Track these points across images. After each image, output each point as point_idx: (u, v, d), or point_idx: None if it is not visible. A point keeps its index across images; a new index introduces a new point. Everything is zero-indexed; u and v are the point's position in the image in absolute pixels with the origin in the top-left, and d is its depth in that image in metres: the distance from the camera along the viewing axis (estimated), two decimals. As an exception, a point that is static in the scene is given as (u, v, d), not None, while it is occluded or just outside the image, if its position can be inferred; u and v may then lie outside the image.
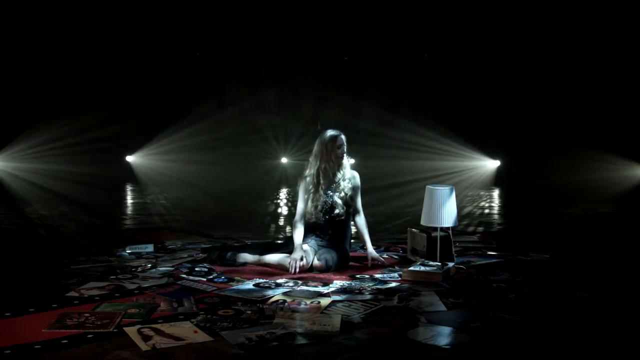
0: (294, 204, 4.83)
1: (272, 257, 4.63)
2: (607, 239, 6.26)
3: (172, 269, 4.55)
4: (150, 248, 5.26)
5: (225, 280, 4.23)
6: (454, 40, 14.87)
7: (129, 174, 14.26)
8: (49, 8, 13.60)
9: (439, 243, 4.40)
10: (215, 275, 4.37)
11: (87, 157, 15.19)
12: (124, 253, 5.10)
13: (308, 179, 4.75)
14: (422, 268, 4.33)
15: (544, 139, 14.47)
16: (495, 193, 11.20)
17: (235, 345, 2.95)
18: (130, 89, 15.39)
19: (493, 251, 5.31)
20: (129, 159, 17.05)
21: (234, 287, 4.04)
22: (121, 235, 6.22)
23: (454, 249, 4.64)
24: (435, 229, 4.44)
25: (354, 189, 4.76)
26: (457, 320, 3.36)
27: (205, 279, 4.24)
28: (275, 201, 9.98)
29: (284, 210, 8.80)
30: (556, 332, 3.18)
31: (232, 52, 15.68)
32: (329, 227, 4.70)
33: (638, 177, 13.44)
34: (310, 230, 4.71)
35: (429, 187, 4.44)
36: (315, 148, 4.75)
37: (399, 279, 4.30)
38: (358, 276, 4.37)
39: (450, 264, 4.42)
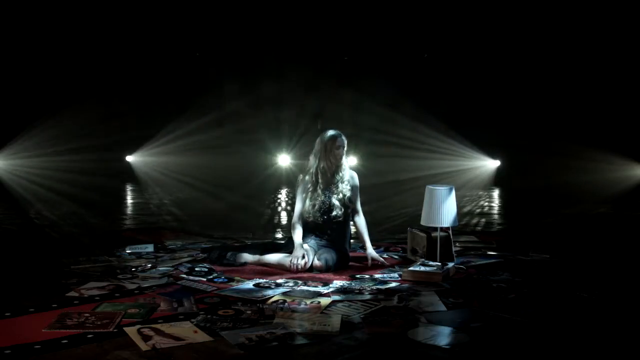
0: (294, 204, 4.82)
1: (272, 257, 4.63)
2: (606, 239, 6.26)
3: (172, 269, 4.55)
4: (150, 248, 5.27)
5: (225, 280, 4.23)
6: (454, 40, 14.86)
7: (129, 174, 14.25)
8: (49, 8, 13.59)
9: (439, 243, 4.40)
10: (215, 275, 4.37)
11: (87, 156, 15.18)
12: (124, 253, 5.10)
13: (307, 177, 4.75)
14: (422, 268, 4.33)
15: (543, 139, 14.46)
16: (495, 193, 11.18)
17: (235, 345, 2.95)
18: (130, 89, 15.39)
19: (493, 251, 5.31)
20: (129, 158, 17.03)
21: (234, 287, 4.04)
22: (121, 235, 6.22)
23: (454, 249, 4.65)
24: (435, 229, 4.44)
25: (352, 189, 4.75)
26: (457, 320, 3.36)
27: (205, 279, 4.24)
28: (275, 201, 9.97)
29: (283, 210, 8.79)
30: (556, 332, 3.18)
31: (231, 50, 15.66)
32: (327, 227, 4.70)
33: (637, 177, 13.42)
34: (309, 230, 4.71)
35: (429, 187, 4.44)
36: (316, 147, 4.75)
37: (399, 279, 4.30)
38: (358, 276, 4.37)
39: (450, 264, 4.42)
